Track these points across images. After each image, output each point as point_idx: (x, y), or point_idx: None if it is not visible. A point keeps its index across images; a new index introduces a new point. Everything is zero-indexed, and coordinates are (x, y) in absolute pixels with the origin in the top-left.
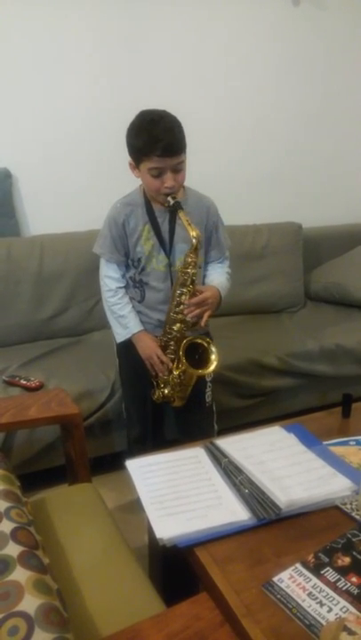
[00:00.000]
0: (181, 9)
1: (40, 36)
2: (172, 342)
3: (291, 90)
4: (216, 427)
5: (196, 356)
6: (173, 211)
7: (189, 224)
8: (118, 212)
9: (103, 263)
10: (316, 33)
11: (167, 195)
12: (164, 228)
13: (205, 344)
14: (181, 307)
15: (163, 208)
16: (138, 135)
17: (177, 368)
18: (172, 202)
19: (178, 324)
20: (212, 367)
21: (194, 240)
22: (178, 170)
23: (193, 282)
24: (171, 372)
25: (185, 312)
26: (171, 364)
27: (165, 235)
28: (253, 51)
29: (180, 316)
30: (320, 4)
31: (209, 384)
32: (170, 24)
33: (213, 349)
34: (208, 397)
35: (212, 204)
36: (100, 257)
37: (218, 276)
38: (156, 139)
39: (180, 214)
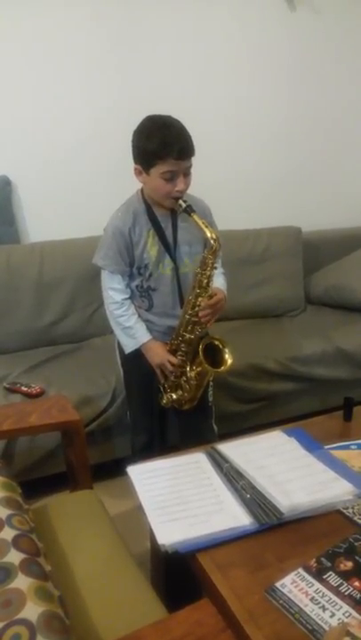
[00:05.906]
0: (179, 16)
1: (38, 41)
2: (183, 345)
3: (289, 94)
4: (216, 427)
5: (209, 356)
6: (186, 214)
7: (206, 226)
8: (122, 221)
9: (106, 275)
10: (313, 37)
11: (177, 198)
12: (168, 232)
13: (221, 345)
14: (196, 308)
15: (165, 212)
16: (150, 138)
17: (192, 369)
18: (184, 205)
19: (191, 326)
20: (228, 365)
21: (212, 242)
22: (188, 173)
23: (209, 284)
24: (183, 374)
25: (200, 315)
26: (183, 367)
27: (170, 239)
28: (251, 57)
29: (195, 318)
30: (316, 8)
31: (211, 383)
32: (167, 33)
33: (227, 349)
34: (210, 397)
35: (206, 205)
36: (101, 268)
37: (217, 277)
38: (171, 141)
39: (195, 217)
